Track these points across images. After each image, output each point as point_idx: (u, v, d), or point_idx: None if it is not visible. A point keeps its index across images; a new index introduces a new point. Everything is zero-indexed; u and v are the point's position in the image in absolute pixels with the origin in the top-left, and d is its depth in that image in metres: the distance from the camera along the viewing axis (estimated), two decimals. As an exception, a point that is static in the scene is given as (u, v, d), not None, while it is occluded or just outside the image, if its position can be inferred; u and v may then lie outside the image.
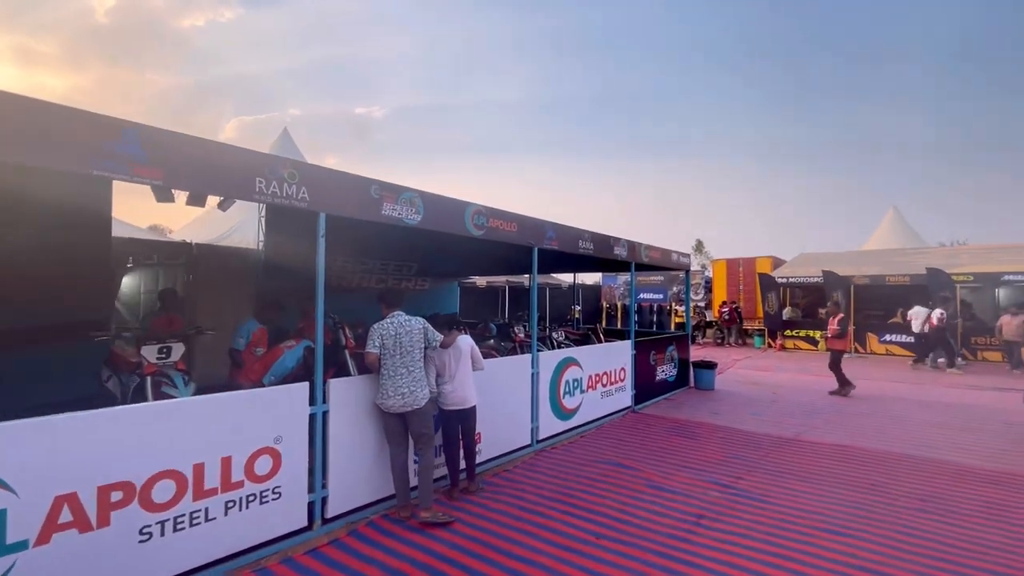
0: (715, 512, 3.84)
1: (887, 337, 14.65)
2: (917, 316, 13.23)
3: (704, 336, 19.46)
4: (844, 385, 8.49)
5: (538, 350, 7.21)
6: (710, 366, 9.09)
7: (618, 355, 7.17)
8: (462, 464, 4.20)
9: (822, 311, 17.07)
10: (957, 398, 8.31)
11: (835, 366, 8.59)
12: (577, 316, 21.62)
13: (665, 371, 8.44)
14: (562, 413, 5.88)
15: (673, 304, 20.63)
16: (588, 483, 4.45)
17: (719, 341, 18.30)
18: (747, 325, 18.13)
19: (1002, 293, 15.94)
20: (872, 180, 65.25)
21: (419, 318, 3.88)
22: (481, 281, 22.32)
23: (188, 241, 8.42)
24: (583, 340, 9.19)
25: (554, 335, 8.26)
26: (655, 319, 21.96)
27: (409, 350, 3.71)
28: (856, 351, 14.89)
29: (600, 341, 9.04)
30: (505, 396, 5.08)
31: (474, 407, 4.13)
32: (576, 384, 6.15)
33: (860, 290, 15.03)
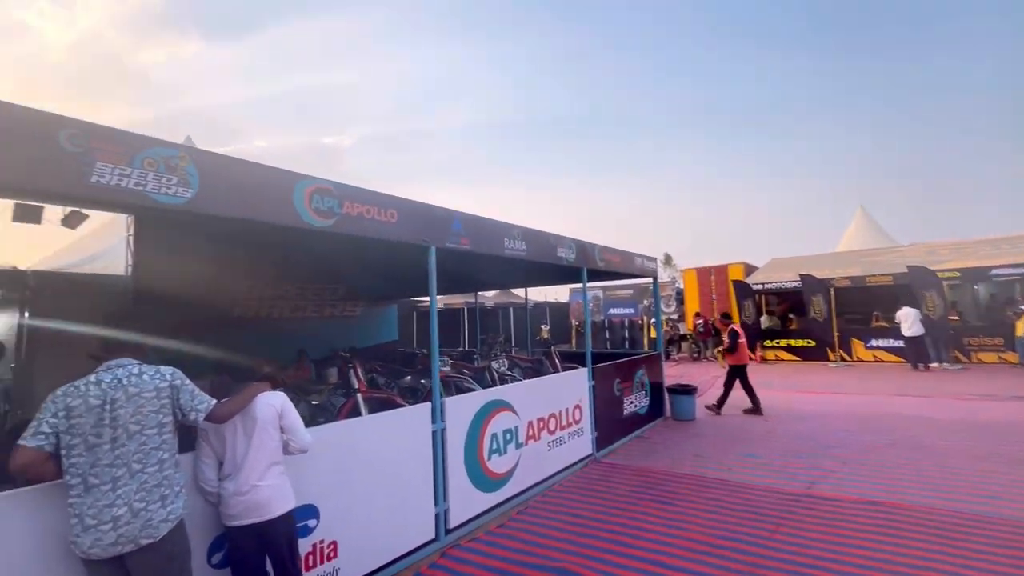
0: None
1: (873, 342, 13.47)
2: (906, 317, 12.13)
3: (679, 351, 18.06)
4: (722, 404, 7.75)
5: (469, 388, 5.55)
6: (689, 391, 7.52)
7: (570, 388, 5.51)
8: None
9: (793, 317, 16.01)
10: (980, 414, 6.93)
11: (729, 382, 7.80)
12: (547, 336, 20.06)
13: (634, 402, 6.82)
14: (487, 482, 4.14)
15: (645, 318, 19.22)
16: (509, 617, 2.73)
17: (695, 355, 16.90)
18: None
19: (983, 288, 15.07)
20: (835, 183, 66.39)
21: (166, 369, 2.14)
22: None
23: (17, 267, 6.47)
24: (536, 370, 7.52)
25: (494, 364, 6.56)
26: (627, 335, 20.56)
27: (133, 432, 1.97)
28: (842, 359, 13.66)
29: (557, 369, 7.37)
30: (387, 471, 3.33)
31: (286, 515, 2.38)
32: (509, 436, 4.44)
33: (840, 293, 13.87)
